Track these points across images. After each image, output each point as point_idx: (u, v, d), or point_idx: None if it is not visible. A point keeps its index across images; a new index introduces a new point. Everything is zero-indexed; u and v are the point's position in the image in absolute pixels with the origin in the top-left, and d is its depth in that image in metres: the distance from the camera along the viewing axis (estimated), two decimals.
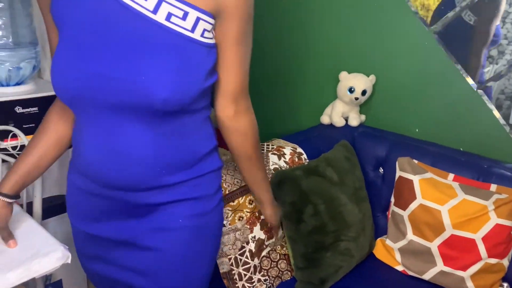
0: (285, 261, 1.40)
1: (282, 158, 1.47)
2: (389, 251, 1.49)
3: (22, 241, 0.96)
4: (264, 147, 1.51)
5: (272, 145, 1.52)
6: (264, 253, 1.36)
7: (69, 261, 0.95)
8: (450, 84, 1.59)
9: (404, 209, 1.45)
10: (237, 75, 0.85)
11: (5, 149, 1.41)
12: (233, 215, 1.27)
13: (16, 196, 0.93)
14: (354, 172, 1.51)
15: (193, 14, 0.74)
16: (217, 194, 0.93)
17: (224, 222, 1.26)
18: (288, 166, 1.46)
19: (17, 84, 1.56)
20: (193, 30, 0.74)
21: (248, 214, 1.31)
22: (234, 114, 0.89)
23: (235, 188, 1.30)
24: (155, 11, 0.72)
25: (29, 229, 1.01)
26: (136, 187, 0.82)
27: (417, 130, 1.72)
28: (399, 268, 1.47)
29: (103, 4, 0.73)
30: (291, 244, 1.35)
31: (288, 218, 1.34)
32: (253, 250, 1.31)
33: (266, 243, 1.36)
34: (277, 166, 1.43)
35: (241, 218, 1.29)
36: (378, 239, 1.55)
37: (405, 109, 1.73)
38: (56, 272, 1.69)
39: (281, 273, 1.38)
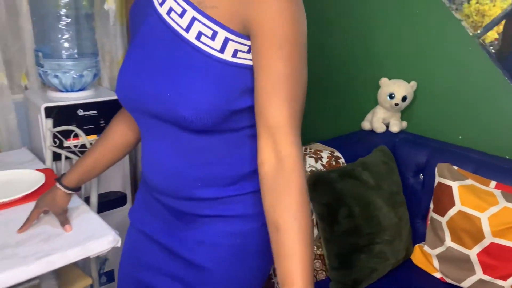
0: (320, 261, 1.44)
1: (319, 161, 1.51)
2: (427, 257, 1.48)
3: (80, 225, 1.10)
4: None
5: (310, 149, 1.57)
6: None
7: (119, 244, 1.06)
8: (496, 91, 1.56)
9: (442, 215, 1.44)
10: (281, 103, 0.70)
11: (68, 147, 1.57)
12: None
13: (74, 189, 1.05)
14: (391, 176, 1.52)
15: (221, 34, 0.71)
16: (259, 215, 0.83)
17: None
18: (324, 169, 1.50)
19: (80, 90, 1.74)
20: (222, 50, 0.71)
21: None
22: (275, 162, 0.70)
23: None
24: (187, 29, 0.72)
25: (86, 216, 1.16)
26: (175, 195, 0.84)
27: (460, 137, 1.69)
28: (437, 275, 1.45)
29: (153, 21, 0.78)
30: (326, 244, 1.39)
31: (322, 219, 1.38)
32: None
33: None
34: (313, 169, 1.47)
35: None
36: (417, 245, 1.54)
37: (448, 116, 1.71)
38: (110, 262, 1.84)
39: (316, 272, 1.42)
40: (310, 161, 1.49)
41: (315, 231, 1.44)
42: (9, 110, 1.82)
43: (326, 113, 2.15)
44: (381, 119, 1.81)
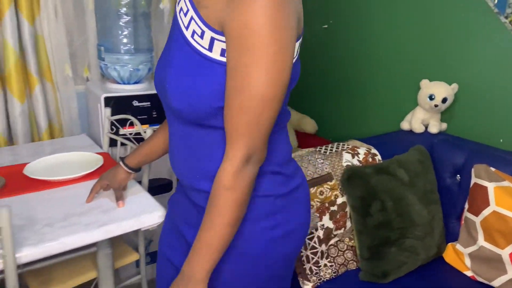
0: (351, 252, 1.50)
1: (356, 157, 1.57)
2: (459, 255, 1.51)
3: (134, 201, 1.24)
4: (339, 147, 1.63)
5: (347, 145, 1.63)
6: (332, 242, 1.48)
7: None
8: None
9: (476, 215, 1.46)
10: (229, 111, 0.72)
11: (123, 135, 1.72)
12: None
13: (133, 169, 1.18)
14: (426, 175, 1.56)
15: (208, 33, 0.72)
16: (259, 220, 0.84)
17: None
18: (360, 164, 1.56)
19: (135, 82, 1.90)
20: (210, 49, 0.73)
21: (318, 203, 1.44)
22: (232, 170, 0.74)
23: (307, 179, 1.44)
24: (187, 27, 0.76)
25: (140, 194, 1.30)
26: (185, 184, 0.91)
27: (501, 140, 1.69)
28: (468, 273, 1.47)
29: (174, 20, 0.84)
30: (358, 236, 1.45)
31: (356, 211, 1.44)
32: (321, 236, 1.44)
33: (334, 232, 1.48)
34: (349, 164, 1.54)
35: (312, 206, 1.43)
36: (449, 244, 1.56)
37: (490, 119, 1.72)
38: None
39: (347, 262, 1.49)
40: (347, 156, 1.56)
41: (348, 224, 1.50)
42: (72, 100, 2.01)
43: (366, 112, 2.19)
44: (421, 119, 1.83)
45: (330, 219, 1.46)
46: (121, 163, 1.16)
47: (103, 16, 1.87)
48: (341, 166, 1.52)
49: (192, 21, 0.75)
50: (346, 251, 1.50)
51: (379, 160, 1.61)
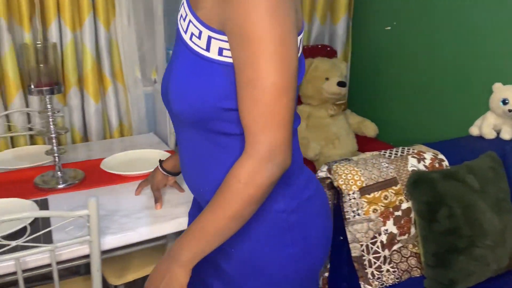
0: (415, 259, 1.46)
1: (422, 162, 1.53)
2: None
3: (177, 203, 1.25)
4: (404, 151, 1.59)
5: (413, 149, 1.59)
6: (395, 247, 1.45)
7: None
8: None
9: None
10: (244, 107, 0.71)
11: None
12: (368, 206, 1.40)
13: (170, 172, 1.22)
14: (498, 183, 1.49)
15: (205, 33, 0.72)
16: (273, 237, 0.81)
17: (359, 212, 1.39)
18: (427, 170, 1.52)
19: None
20: (208, 49, 0.73)
21: (383, 208, 1.42)
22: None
23: (371, 183, 1.42)
24: (186, 31, 0.76)
25: (181, 197, 1.30)
26: (196, 195, 0.90)
27: None
28: None
29: (177, 29, 0.84)
30: (423, 242, 1.41)
31: (421, 216, 1.41)
32: (385, 242, 1.42)
33: (398, 238, 1.45)
34: (415, 169, 1.50)
35: (375, 211, 1.41)
36: None
37: None
38: None
39: (411, 268, 1.45)
40: (412, 161, 1.52)
41: (412, 230, 1.47)
42: (141, 100, 2.12)
43: (430, 116, 2.12)
44: (492, 125, 1.75)
45: (394, 224, 1.43)
46: (158, 166, 1.21)
47: (172, 22, 1.96)
48: (407, 170, 1.49)
49: (190, 23, 0.75)
50: (410, 258, 1.47)
51: (446, 166, 1.56)
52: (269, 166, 0.69)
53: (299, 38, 0.76)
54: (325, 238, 0.89)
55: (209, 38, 0.72)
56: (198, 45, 0.74)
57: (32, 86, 1.28)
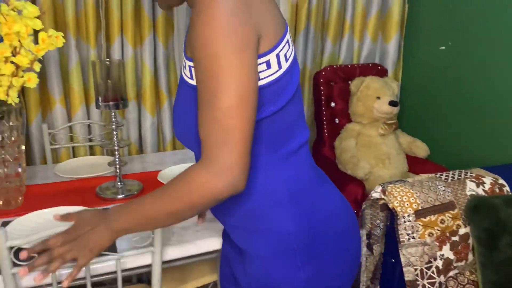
0: (473, 286, 1.41)
1: (481, 187, 1.48)
2: None
3: None
4: (461, 175, 1.54)
5: (471, 173, 1.55)
6: (451, 274, 1.40)
7: None
8: None
9: None
10: (200, 125, 0.73)
11: None
12: (423, 230, 1.37)
13: None
14: None
15: (187, 63, 0.78)
16: (277, 259, 0.82)
17: (414, 235, 1.36)
18: (486, 195, 1.46)
19: None
20: (191, 77, 0.78)
21: (439, 232, 1.38)
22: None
23: (428, 206, 1.39)
24: (184, 65, 0.83)
25: None
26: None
27: None
28: None
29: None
30: (482, 270, 1.36)
31: (481, 243, 1.36)
32: (440, 267, 1.37)
33: (455, 264, 1.40)
34: (474, 193, 1.45)
35: (431, 234, 1.38)
36: None
37: None
38: None
39: None
40: (471, 185, 1.48)
41: (470, 256, 1.41)
42: None
43: (487, 138, 2.05)
44: None
45: (451, 249, 1.39)
46: None
47: None
48: (465, 195, 1.44)
49: (183, 59, 0.82)
50: (467, 285, 1.41)
51: (507, 191, 1.50)
52: (217, 183, 0.70)
53: (273, 53, 0.75)
54: (344, 259, 0.87)
55: (190, 67, 0.78)
56: (186, 75, 0.80)
57: (100, 101, 1.36)
